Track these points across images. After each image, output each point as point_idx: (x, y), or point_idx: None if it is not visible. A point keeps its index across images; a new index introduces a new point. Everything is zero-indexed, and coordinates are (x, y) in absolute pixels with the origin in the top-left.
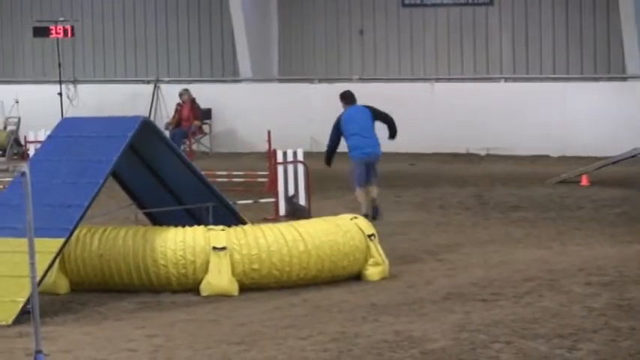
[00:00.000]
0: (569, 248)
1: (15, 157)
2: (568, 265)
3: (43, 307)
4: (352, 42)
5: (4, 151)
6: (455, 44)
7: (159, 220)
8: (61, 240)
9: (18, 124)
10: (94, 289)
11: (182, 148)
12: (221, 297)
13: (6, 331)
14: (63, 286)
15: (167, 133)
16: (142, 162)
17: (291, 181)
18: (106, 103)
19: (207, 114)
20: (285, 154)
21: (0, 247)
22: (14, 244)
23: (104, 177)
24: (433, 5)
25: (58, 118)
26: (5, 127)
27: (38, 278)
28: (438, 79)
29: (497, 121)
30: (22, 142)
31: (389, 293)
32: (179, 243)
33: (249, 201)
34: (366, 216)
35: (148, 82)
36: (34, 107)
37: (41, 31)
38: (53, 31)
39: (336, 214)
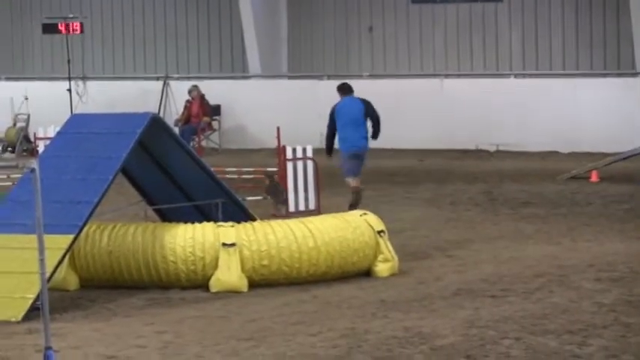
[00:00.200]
0: (580, 244)
1: (24, 153)
2: (578, 261)
3: (52, 304)
4: (362, 39)
5: (14, 147)
6: (464, 41)
7: (168, 216)
8: (71, 236)
9: (27, 120)
10: (103, 286)
11: (191, 144)
12: (230, 293)
13: (16, 327)
14: (72, 282)
15: (176, 130)
16: (152, 158)
17: (301, 178)
18: (115, 99)
19: (216, 110)
20: (294, 150)
21: (10, 244)
22: (24, 241)
23: (113, 173)
24: (443, 2)
25: (68, 115)
26: (15, 124)
27: (48, 275)
28: (447, 76)
29: (507, 118)
30: (32, 139)
31: (398, 289)
32: (188, 239)
33: (259, 197)
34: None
35: (158, 78)
36: (44, 104)
37: (51, 28)
38: (62, 28)
39: (345, 210)
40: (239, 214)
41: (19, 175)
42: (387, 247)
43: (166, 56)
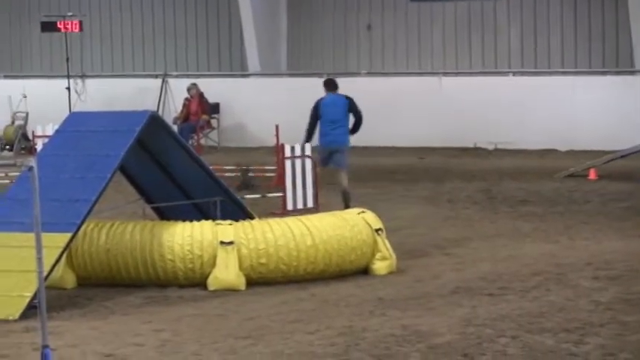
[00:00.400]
0: (577, 242)
1: (23, 151)
2: (576, 260)
3: (50, 302)
4: (360, 37)
5: (12, 145)
6: (463, 39)
7: (166, 214)
8: (69, 235)
9: (26, 118)
10: (101, 284)
11: (190, 142)
12: (228, 291)
13: (13, 325)
14: (70, 280)
15: (175, 128)
16: (150, 156)
17: (299, 176)
18: (114, 97)
19: (215, 108)
20: (293, 148)
21: (7, 242)
22: (21, 239)
23: (112, 171)
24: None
25: (66, 113)
26: (13, 122)
27: (45, 273)
28: (445, 74)
29: (506, 116)
30: (30, 137)
31: (396, 287)
32: (186, 237)
33: (257, 195)
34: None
35: (156, 76)
36: (42, 102)
37: (49, 26)
38: (61, 26)
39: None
40: (237, 212)
41: (18, 174)
42: (384, 245)
43: (165, 54)
